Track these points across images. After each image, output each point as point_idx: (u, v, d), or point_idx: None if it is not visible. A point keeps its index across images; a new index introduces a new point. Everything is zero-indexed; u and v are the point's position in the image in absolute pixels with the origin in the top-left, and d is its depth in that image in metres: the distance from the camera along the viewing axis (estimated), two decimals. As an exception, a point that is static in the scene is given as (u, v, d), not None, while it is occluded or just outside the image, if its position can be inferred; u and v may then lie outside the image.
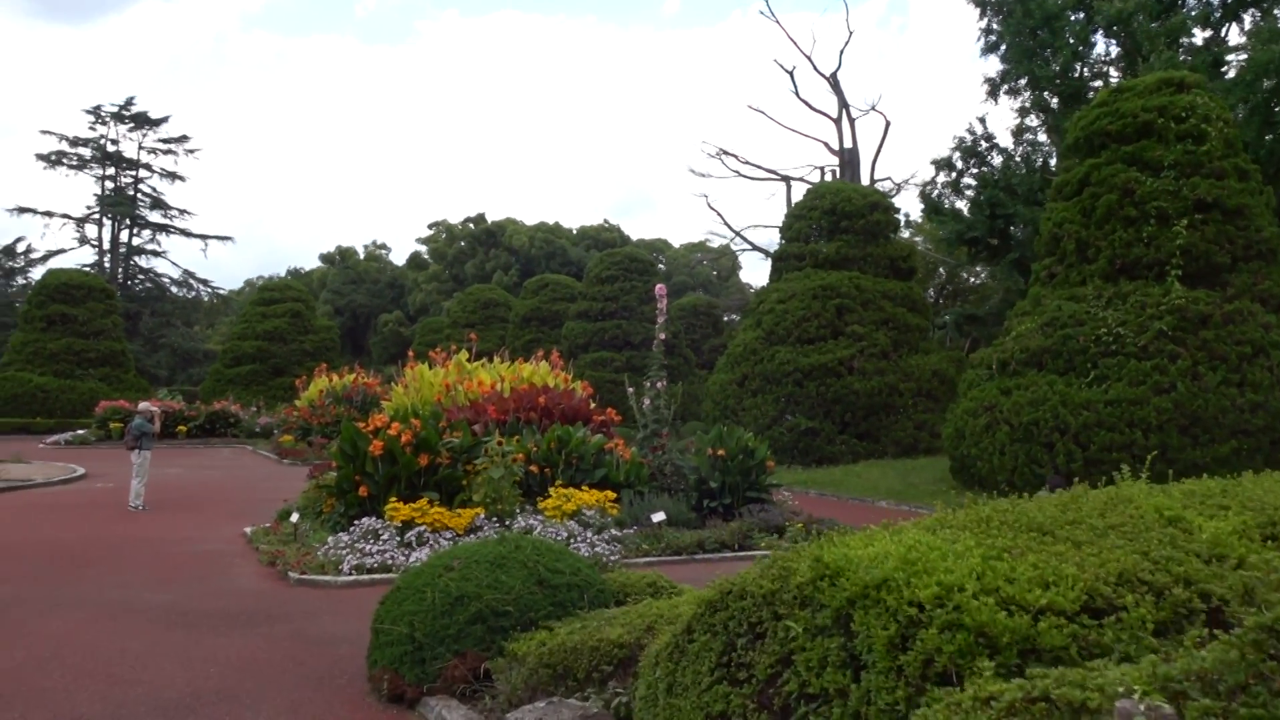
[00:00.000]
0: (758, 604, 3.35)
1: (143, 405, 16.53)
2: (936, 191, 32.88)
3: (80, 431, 32.28)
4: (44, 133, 78.90)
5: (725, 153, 44.80)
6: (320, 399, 30.68)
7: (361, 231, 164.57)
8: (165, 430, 29.24)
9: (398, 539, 10.68)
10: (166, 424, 30.03)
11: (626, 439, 15.26)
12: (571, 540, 10.69)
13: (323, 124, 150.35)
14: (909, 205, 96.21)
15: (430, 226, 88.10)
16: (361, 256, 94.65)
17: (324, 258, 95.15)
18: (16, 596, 8.82)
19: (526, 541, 6.29)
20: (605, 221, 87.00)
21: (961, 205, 31.76)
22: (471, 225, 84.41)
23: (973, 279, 43.51)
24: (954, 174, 32.29)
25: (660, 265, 68.49)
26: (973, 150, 31.68)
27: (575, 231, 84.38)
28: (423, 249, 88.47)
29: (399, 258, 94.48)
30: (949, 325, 34.73)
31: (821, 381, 23.02)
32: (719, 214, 74.79)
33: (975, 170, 31.71)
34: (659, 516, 11.70)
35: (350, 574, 9.91)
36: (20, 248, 75.57)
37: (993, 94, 31.17)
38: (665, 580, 6.41)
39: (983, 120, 31.76)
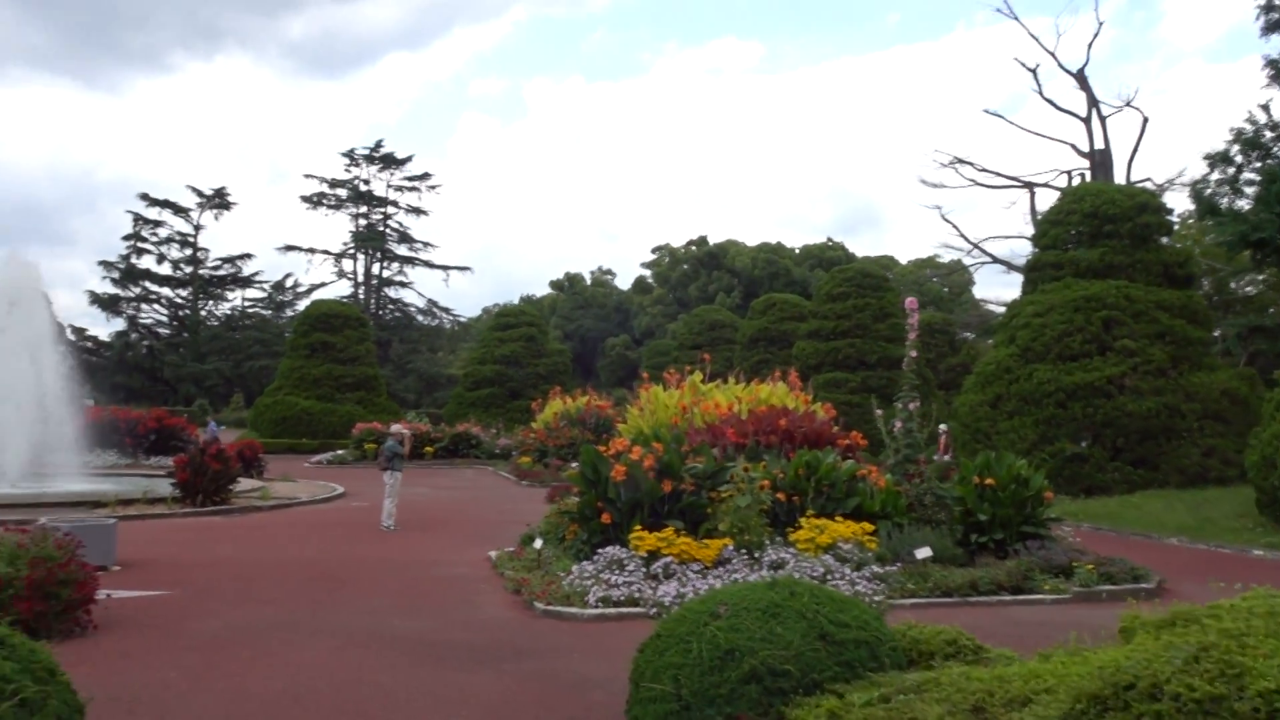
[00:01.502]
0: (1188, 713, 2.40)
1: (395, 428, 17.02)
2: (1210, 190, 29.54)
3: (339, 452, 34.30)
4: (307, 177, 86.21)
5: (960, 161, 42.49)
6: (555, 421, 31.17)
7: (588, 258, 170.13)
8: (414, 452, 30.53)
9: (644, 570, 10.15)
10: (414, 446, 31.36)
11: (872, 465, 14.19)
12: (829, 577, 9.80)
13: (550, 157, 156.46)
14: (1175, 207, 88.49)
15: (654, 251, 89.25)
16: (589, 282, 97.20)
17: (554, 284, 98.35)
18: (279, 620, 8.90)
19: (802, 587, 5.50)
20: (829, 240, 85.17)
21: (1242, 204, 28.35)
22: (694, 248, 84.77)
23: (1249, 287, 38.99)
24: (1232, 169, 28.90)
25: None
26: (1254, 142, 28.19)
27: (798, 251, 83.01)
28: (647, 273, 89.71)
29: (624, 282, 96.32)
30: (1230, 339, 31.08)
31: (1088, 402, 20.88)
32: (954, 226, 71.11)
33: (1259, 164, 28.23)
34: (924, 553, 10.60)
35: (596, 606, 9.45)
36: (288, 283, 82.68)
37: (1276, 78, 27.72)
38: (967, 639, 5.44)
39: (1265, 107, 28.08)
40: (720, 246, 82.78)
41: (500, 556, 12.30)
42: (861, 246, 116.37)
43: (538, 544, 11.69)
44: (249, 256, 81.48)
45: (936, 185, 43.92)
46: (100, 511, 15.77)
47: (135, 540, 13.09)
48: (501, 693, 6.76)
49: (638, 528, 10.83)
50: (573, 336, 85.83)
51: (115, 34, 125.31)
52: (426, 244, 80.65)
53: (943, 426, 23.31)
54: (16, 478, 19.20)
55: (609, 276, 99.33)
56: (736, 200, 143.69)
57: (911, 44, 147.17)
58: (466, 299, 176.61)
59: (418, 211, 79.97)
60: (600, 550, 10.76)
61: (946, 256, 53.78)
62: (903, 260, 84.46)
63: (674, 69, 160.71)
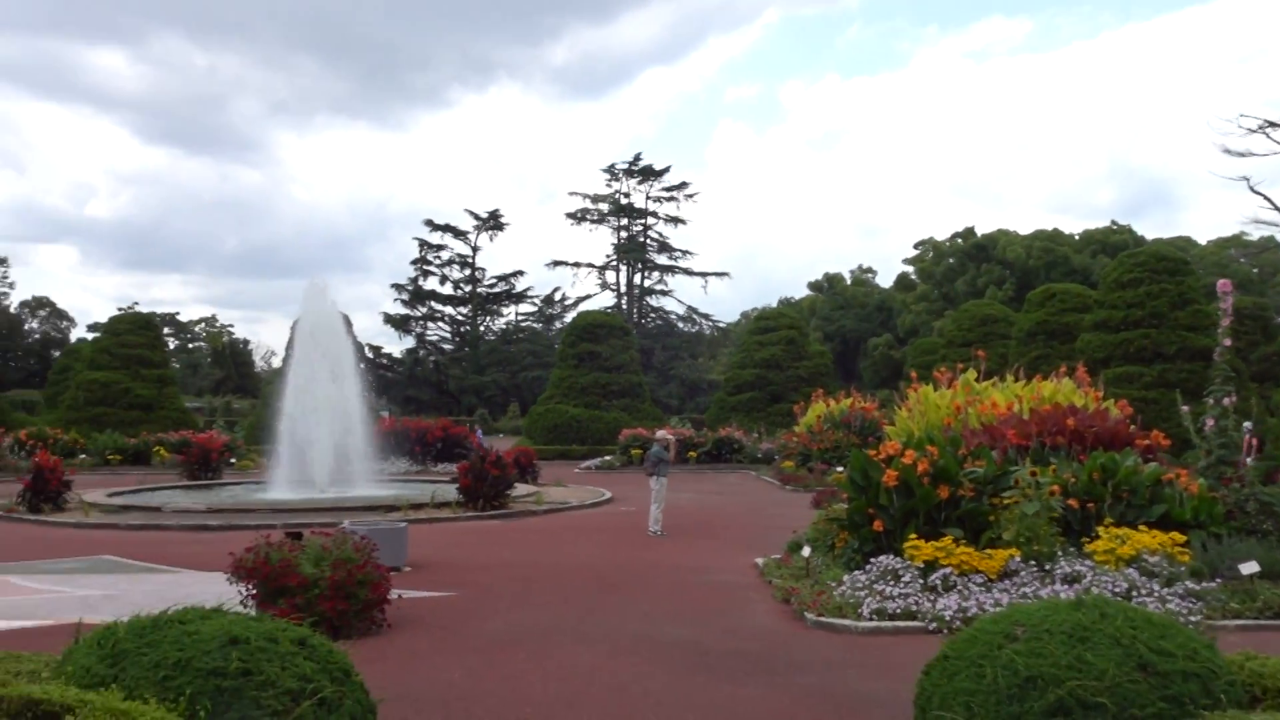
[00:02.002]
0: None
1: (660, 433, 17.21)
2: None
3: (607, 457, 35.36)
4: (571, 194, 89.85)
5: (1271, 124, 37.77)
6: (818, 424, 30.54)
7: (847, 257, 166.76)
8: (678, 456, 30.92)
9: (920, 581, 9.55)
10: (679, 451, 31.76)
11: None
12: (1134, 594, 8.81)
13: (806, 158, 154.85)
14: None
15: (916, 246, 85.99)
16: (848, 282, 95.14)
17: (812, 285, 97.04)
18: (554, 624, 9.10)
19: (1114, 608, 4.85)
20: (1113, 224, 78.57)
21: None
22: (959, 240, 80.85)
23: None
24: None
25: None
26: None
27: (1077, 237, 77.16)
28: (909, 269, 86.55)
29: (885, 280, 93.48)
30: None
31: None
32: (1265, 197, 63.55)
33: None
34: (1250, 567, 9.30)
35: (871, 619, 8.97)
36: (557, 296, 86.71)
37: None
38: (1326, 673, 4.59)
39: None
40: (989, 237, 78.48)
41: (767, 564, 12.05)
42: (1150, 228, 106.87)
43: (806, 551, 11.33)
44: (521, 273, 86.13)
45: (1242, 154, 39.29)
46: (393, 515, 16.99)
47: (423, 542, 13.92)
48: (775, 708, 6.50)
49: (912, 536, 10.23)
50: (833, 338, 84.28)
51: (401, 76, 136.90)
52: (685, 252, 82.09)
53: (1246, 424, 20.71)
54: (324, 484, 21.10)
55: (869, 275, 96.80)
56: (1005, 188, 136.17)
57: (1208, 1, 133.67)
58: (725, 304, 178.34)
59: (676, 221, 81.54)
60: (872, 559, 10.26)
61: (1255, 233, 48.08)
62: (1201, 241, 76.66)
63: (934, 57, 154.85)
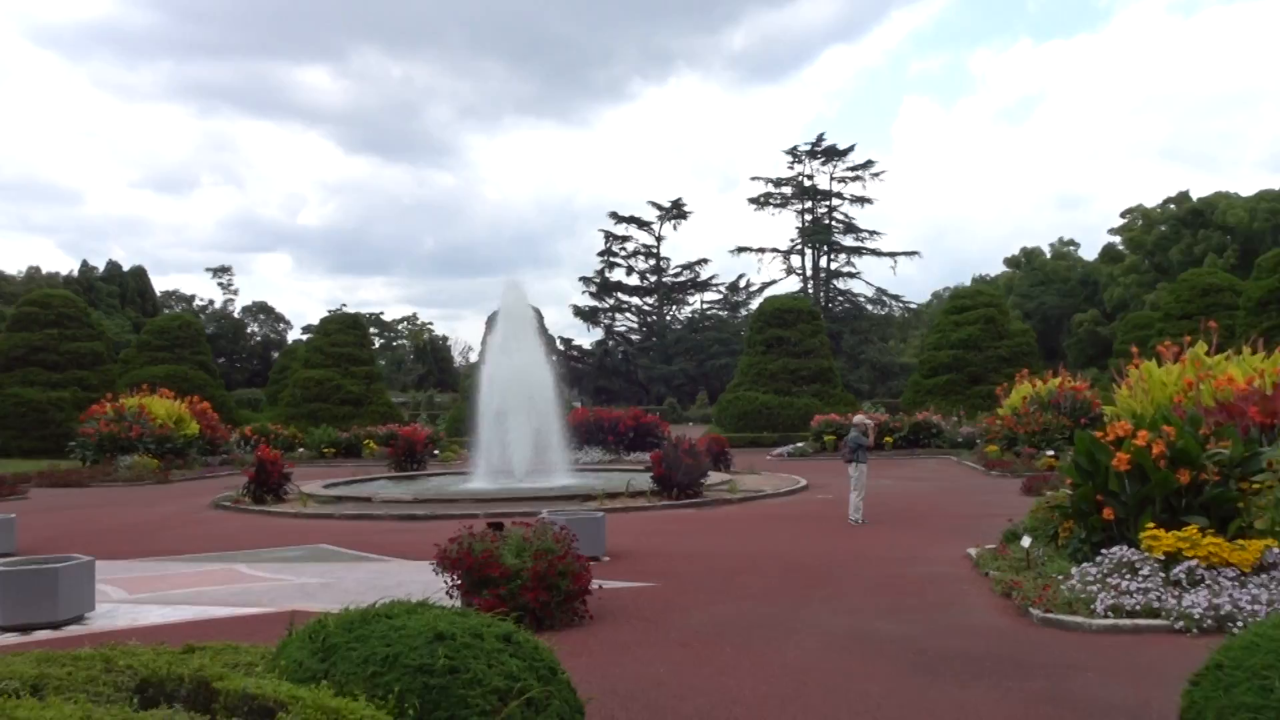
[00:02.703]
0: None
1: (857, 418, 16.54)
2: None
3: (799, 444, 34.69)
4: (753, 179, 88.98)
5: None
6: (1023, 406, 28.82)
7: (1046, 231, 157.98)
8: (875, 442, 29.92)
9: (1161, 574, 8.63)
10: (876, 436, 30.75)
11: None
12: None
13: (998, 129, 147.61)
14: None
15: (1123, 215, 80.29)
16: (1048, 256, 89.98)
17: (1008, 261, 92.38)
18: (759, 616, 8.76)
19: None
20: (1359, 176, 70.79)
21: None
22: (1172, 207, 74.90)
23: None
24: None
25: None
26: None
27: (1310, 195, 69.95)
28: (1115, 239, 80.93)
29: (1088, 253, 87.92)
30: None
31: None
32: None
33: None
34: None
35: (1106, 616, 8.17)
36: (742, 283, 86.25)
37: None
38: None
39: None
40: (1206, 201, 72.31)
41: (981, 554, 11.28)
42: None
43: (1025, 542, 10.51)
44: (705, 261, 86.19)
45: None
46: (589, 505, 17.08)
47: (620, 532, 13.88)
48: (1008, 715, 5.92)
49: (1149, 525, 9.27)
50: (1033, 315, 79.87)
51: (583, 73, 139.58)
52: (872, 232, 79.93)
53: None
54: (522, 474, 21.54)
55: (1070, 248, 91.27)
56: (1219, 149, 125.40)
57: None
58: (915, 285, 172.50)
59: (862, 201, 79.45)
60: (1103, 550, 9.37)
61: None
62: None
63: (1136, 14, 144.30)
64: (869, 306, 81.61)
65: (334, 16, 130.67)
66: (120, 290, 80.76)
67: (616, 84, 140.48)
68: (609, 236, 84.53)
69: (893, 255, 79.85)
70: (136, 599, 10.16)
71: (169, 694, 4.05)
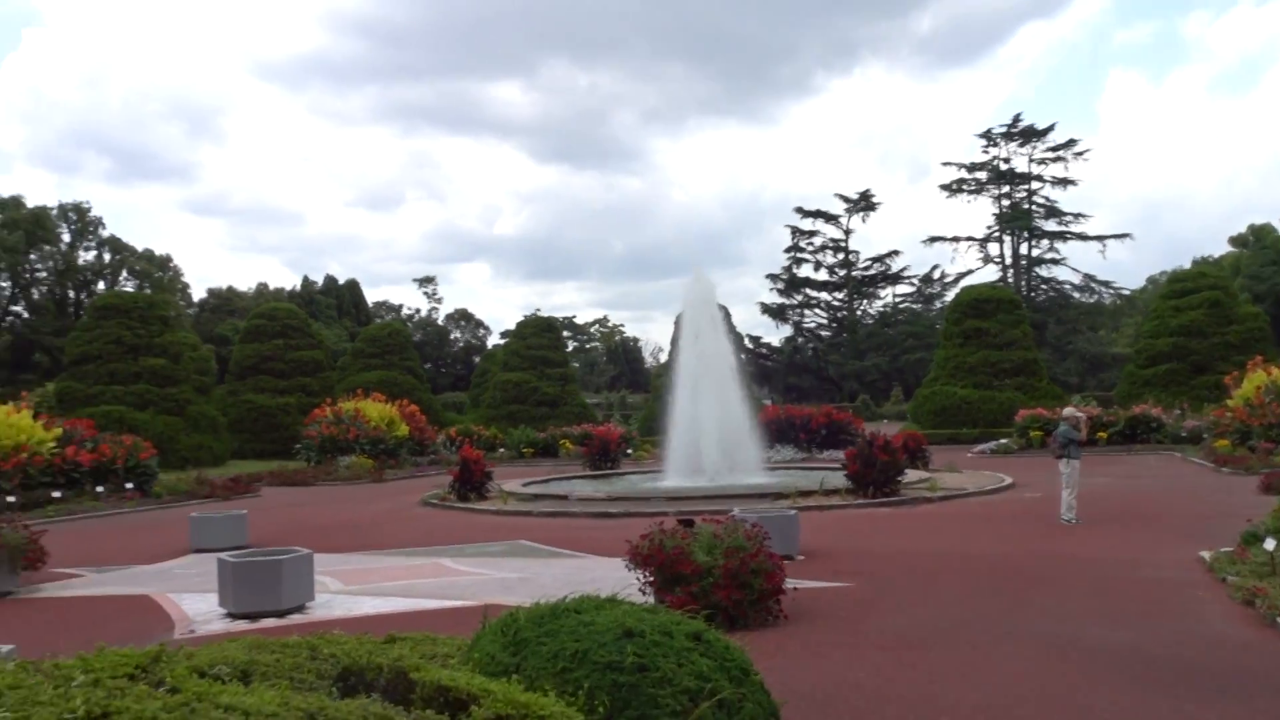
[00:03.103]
0: None
1: (1067, 411, 15.48)
2: None
3: (1002, 440, 33.03)
4: (945, 164, 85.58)
5: None
6: (1258, 396, 26.29)
7: (1276, 206, 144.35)
8: (1088, 437, 28.11)
9: None
10: (1089, 430, 28.88)
11: None
12: None
13: (1218, 97, 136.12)
14: None
15: (1376, 181, 72.11)
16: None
17: (1234, 241, 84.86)
18: (964, 620, 8.27)
19: None
20: None
21: None
22: None
23: None
24: None
25: None
26: None
27: None
28: (1368, 210, 72.82)
29: (1344, 225, 79.37)
30: None
31: None
32: None
33: None
34: None
35: (1372, 629, 7.23)
36: (935, 274, 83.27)
37: None
38: None
39: None
40: None
41: (1216, 558, 10.28)
42: None
43: (1269, 545, 9.48)
44: (896, 253, 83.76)
45: None
46: (782, 503, 16.80)
47: (814, 531, 13.54)
48: (1258, 738, 5.29)
49: None
50: (1264, 298, 72.92)
51: (767, 70, 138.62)
52: (1077, 215, 75.33)
53: None
54: (713, 472, 21.46)
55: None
56: None
57: None
58: (1127, 269, 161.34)
59: (1064, 183, 75.05)
60: (1366, 555, 8.33)
61: None
62: None
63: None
64: (1075, 294, 76.90)
65: (523, 32, 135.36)
66: (337, 302, 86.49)
67: (800, 78, 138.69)
68: (795, 232, 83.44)
69: (1101, 239, 74.94)
70: (352, 590, 10.70)
71: (369, 683, 4.14)
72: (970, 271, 78.35)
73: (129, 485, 22.34)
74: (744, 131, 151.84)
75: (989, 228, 78.12)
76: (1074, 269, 76.59)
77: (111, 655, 3.80)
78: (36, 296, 68.59)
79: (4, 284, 66.57)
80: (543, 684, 4.23)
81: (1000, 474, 21.95)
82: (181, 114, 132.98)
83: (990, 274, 77.19)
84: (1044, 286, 77.35)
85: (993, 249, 78.37)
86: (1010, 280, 75.19)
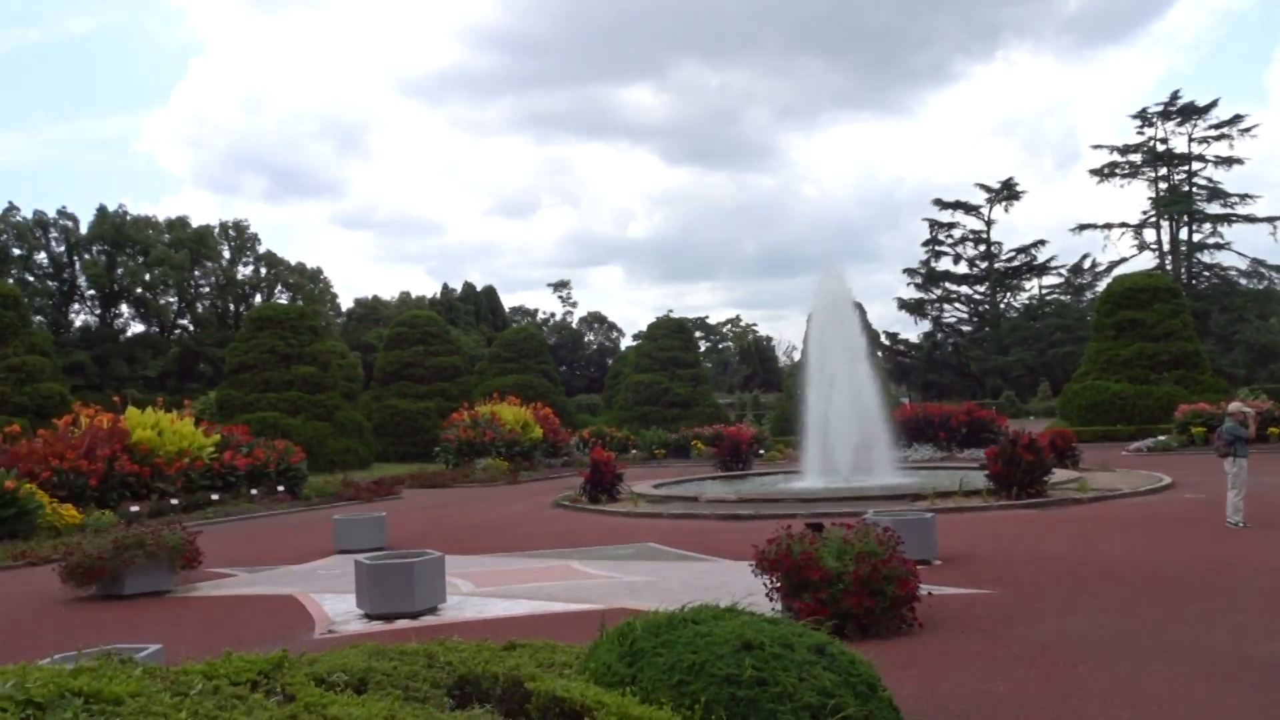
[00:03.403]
0: None
1: (1233, 406, 14.41)
2: None
3: (1161, 438, 31.22)
4: (1095, 148, 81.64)
5: None
6: None
7: None
8: (1257, 434, 26.22)
9: None
10: (1257, 427, 26.94)
11: None
12: None
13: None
14: None
15: None
16: None
17: None
18: (1116, 632, 7.74)
19: None
20: None
21: None
22: None
23: None
24: None
25: None
26: None
27: None
28: None
29: None
30: None
31: None
32: None
33: None
34: None
35: None
36: (1085, 264, 79.57)
37: None
38: None
39: None
40: None
41: None
42: None
43: None
44: (1042, 243, 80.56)
45: None
46: (919, 504, 16.24)
47: (952, 534, 13.02)
48: None
49: None
50: None
51: (903, 60, 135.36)
52: (1244, 196, 70.67)
53: None
54: (847, 472, 20.97)
55: None
56: None
57: None
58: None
59: (1229, 162, 70.51)
60: None
61: None
62: None
63: None
64: (1242, 280, 72.14)
65: (654, 34, 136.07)
66: (475, 308, 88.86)
67: (938, 66, 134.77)
68: (934, 225, 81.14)
69: (1271, 221, 70.04)
70: (483, 592, 10.85)
71: (484, 692, 4.12)
72: (1124, 260, 74.56)
73: (280, 488, 23.43)
74: (880, 124, 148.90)
75: (1144, 213, 74.19)
76: (1240, 253, 71.96)
77: (237, 661, 3.88)
78: (200, 310, 72.95)
79: (172, 299, 71.06)
80: (659, 696, 4.12)
81: (1158, 473, 20.70)
82: (331, 132, 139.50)
83: (1146, 261, 73.25)
84: (1206, 273, 72.89)
85: (1149, 235, 74.39)
86: (1168, 268, 71.13)
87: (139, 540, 11.52)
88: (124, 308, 70.13)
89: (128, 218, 67.41)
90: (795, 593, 8.00)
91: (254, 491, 22.93)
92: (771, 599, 8.20)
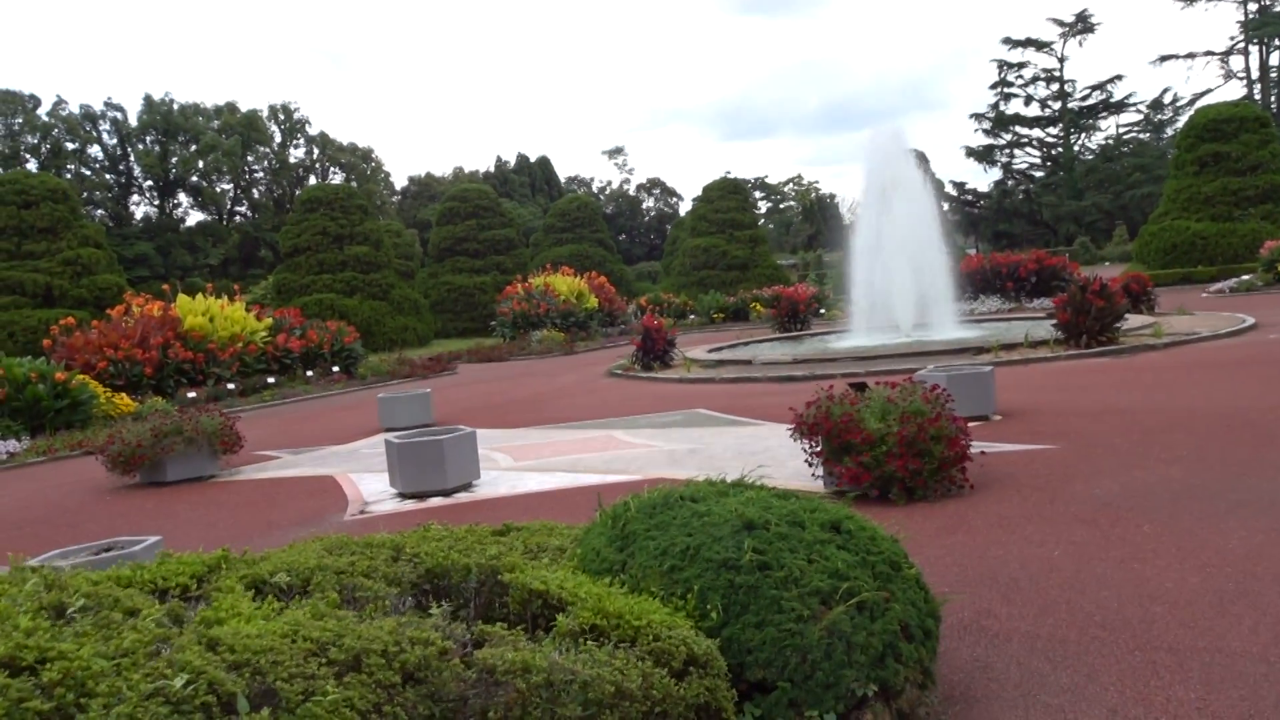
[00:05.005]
0: None
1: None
2: None
3: (1244, 277, 29.61)
4: (1176, -28, 75.95)
5: None
6: None
7: None
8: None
9: None
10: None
11: None
12: None
13: None
14: None
15: None
16: None
17: None
18: (1188, 486, 7.11)
19: None
20: None
21: None
22: None
23: None
24: None
25: None
26: None
27: None
28: None
29: None
30: None
31: None
32: None
33: None
34: None
35: None
36: (1166, 99, 75.12)
37: None
38: None
39: None
40: None
41: None
42: None
43: None
44: (1119, 79, 76.13)
45: None
46: (983, 357, 15.53)
47: (1015, 387, 12.35)
48: None
49: None
50: None
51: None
52: (1341, 13, 65.34)
53: None
54: (908, 328, 20.22)
55: None
56: None
57: None
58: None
59: (1324, -24, 65.03)
60: None
61: None
62: None
63: None
64: (1338, 106, 67.50)
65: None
66: (530, 180, 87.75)
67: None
68: (1003, 66, 76.98)
69: (1371, 38, 64.95)
70: (520, 466, 10.57)
71: (455, 587, 3.70)
72: (1208, 91, 70.41)
73: (335, 369, 23.48)
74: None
75: (1232, 38, 69.46)
76: (1336, 77, 67.08)
77: (172, 564, 3.51)
78: (257, 196, 73.18)
79: (228, 186, 71.32)
80: (649, 585, 3.66)
81: (1241, 314, 19.56)
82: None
83: (1233, 91, 69.00)
84: (1300, 101, 68.31)
85: (1236, 63, 69.87)
86: (1257, 97, 66.77)
87: (176, 427, 11.44)
88: (182, 197, 70.68)
89: (174, 105, 67.17)
90: (835, 457, 7.50)
91: (309, 373, 23.02)
92: (812, 464, 7.73)
